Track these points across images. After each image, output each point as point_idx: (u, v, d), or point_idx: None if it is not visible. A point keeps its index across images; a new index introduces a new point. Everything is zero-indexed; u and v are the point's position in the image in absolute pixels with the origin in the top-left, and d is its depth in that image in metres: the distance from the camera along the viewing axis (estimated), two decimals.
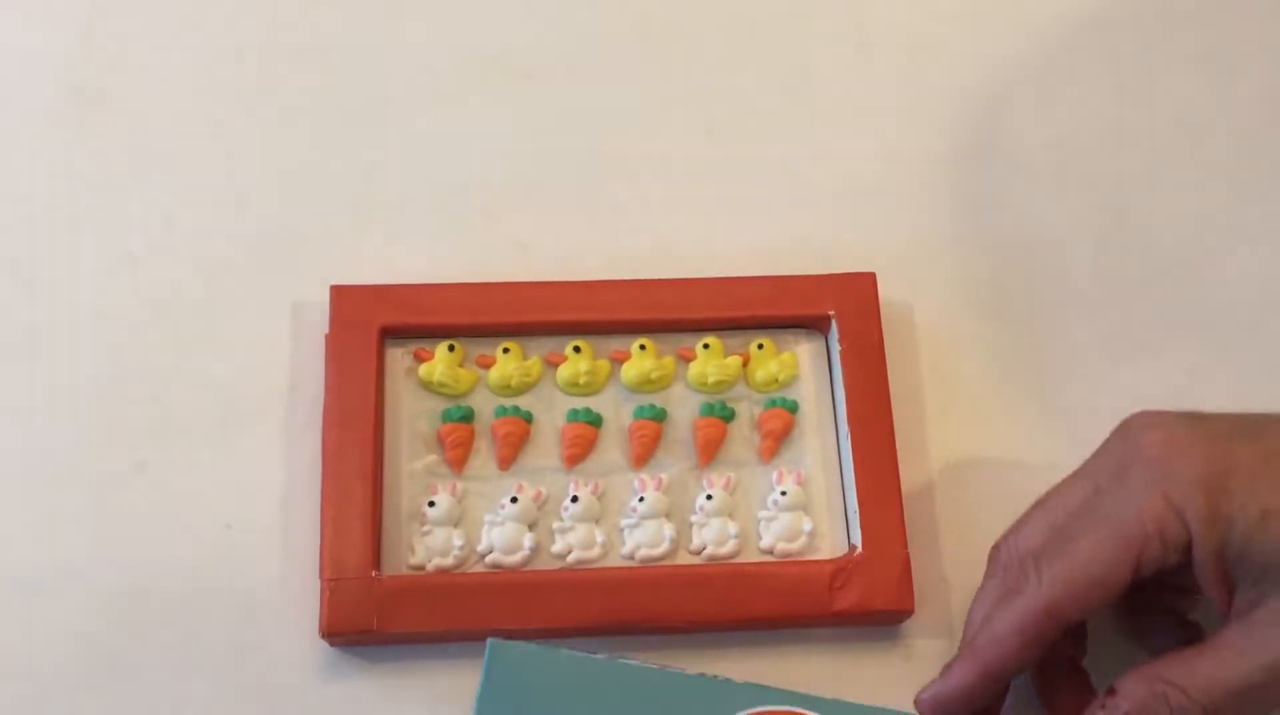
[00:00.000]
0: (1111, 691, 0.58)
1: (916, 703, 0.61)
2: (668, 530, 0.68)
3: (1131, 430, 0.59)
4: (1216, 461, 0.56)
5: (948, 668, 0.60)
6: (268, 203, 0.75)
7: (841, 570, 0.67)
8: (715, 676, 0.62)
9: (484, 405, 0.71)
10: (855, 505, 0.69)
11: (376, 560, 0.66)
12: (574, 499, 0.69)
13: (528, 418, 0.71)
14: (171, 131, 0.77)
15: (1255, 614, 0.57)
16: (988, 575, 0.61)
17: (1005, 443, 0.72)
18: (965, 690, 0.60)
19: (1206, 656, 0.57)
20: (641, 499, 0.69)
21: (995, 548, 0.61)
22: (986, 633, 0.59)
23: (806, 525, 0.69)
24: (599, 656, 0.61)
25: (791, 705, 0.60)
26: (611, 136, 0.78)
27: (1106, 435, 0.61)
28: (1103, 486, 0.59)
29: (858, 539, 0.68)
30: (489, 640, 0.61)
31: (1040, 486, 0.63)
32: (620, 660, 0.61)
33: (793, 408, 0.72)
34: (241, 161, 0.76)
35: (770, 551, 0.69)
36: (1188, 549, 0.57)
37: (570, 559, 0.68)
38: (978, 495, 0.70)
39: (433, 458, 0.70)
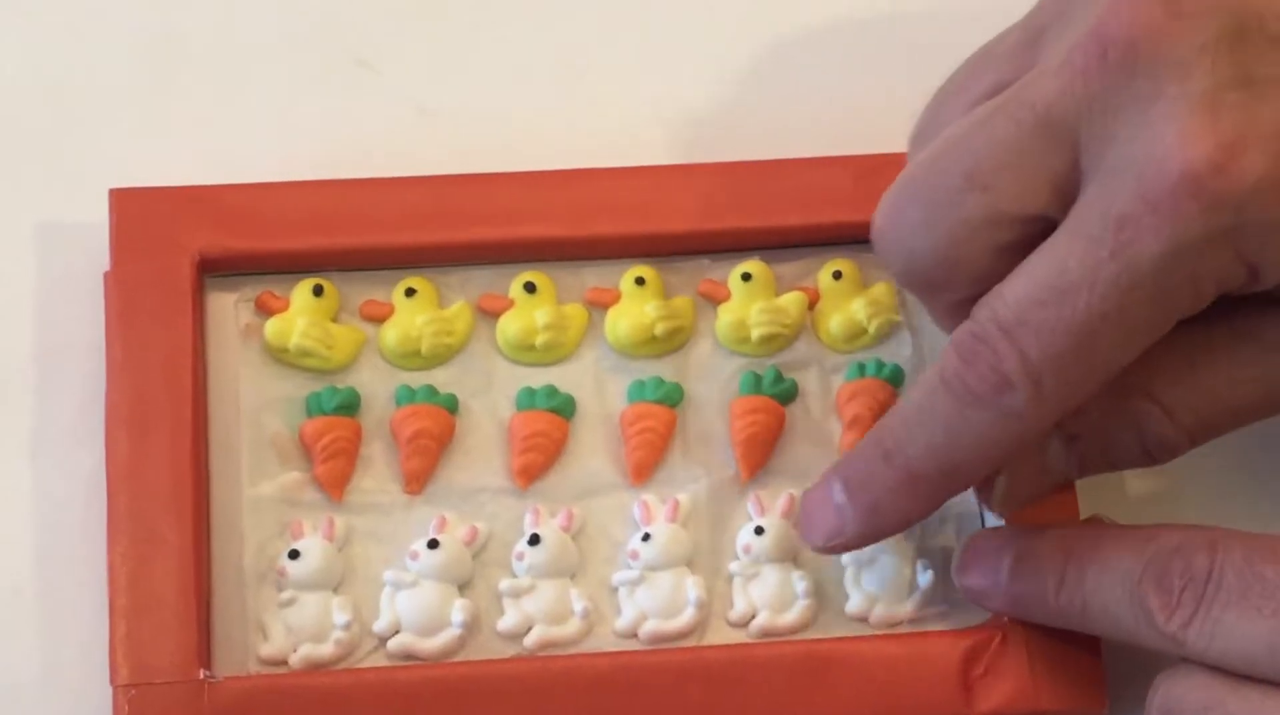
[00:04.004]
0: None
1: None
2: (692, 588, 0.56)
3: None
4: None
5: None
6: None
7: (983, 648, 0.55)
8: None
9: (377, 386, 0.59)
10: None
11: (206, 653, 0.55)
12: (533, 540, 0.56)
13: (450, 405, 0.58)
14: None
15: None
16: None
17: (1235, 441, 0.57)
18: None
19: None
20: (646, 537, 0.57)
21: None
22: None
23: (924, 575, 0.57)
24: None
25: None
26: None
27: None
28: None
29: None
30: None
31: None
32: None
33: (894, 376, 0.59)
34: None
35: (864, 619, 0.57)
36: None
37: (530, 641, 0.56)
38: (1190, 516, 0.53)
39: (293, 476, 0.58)
